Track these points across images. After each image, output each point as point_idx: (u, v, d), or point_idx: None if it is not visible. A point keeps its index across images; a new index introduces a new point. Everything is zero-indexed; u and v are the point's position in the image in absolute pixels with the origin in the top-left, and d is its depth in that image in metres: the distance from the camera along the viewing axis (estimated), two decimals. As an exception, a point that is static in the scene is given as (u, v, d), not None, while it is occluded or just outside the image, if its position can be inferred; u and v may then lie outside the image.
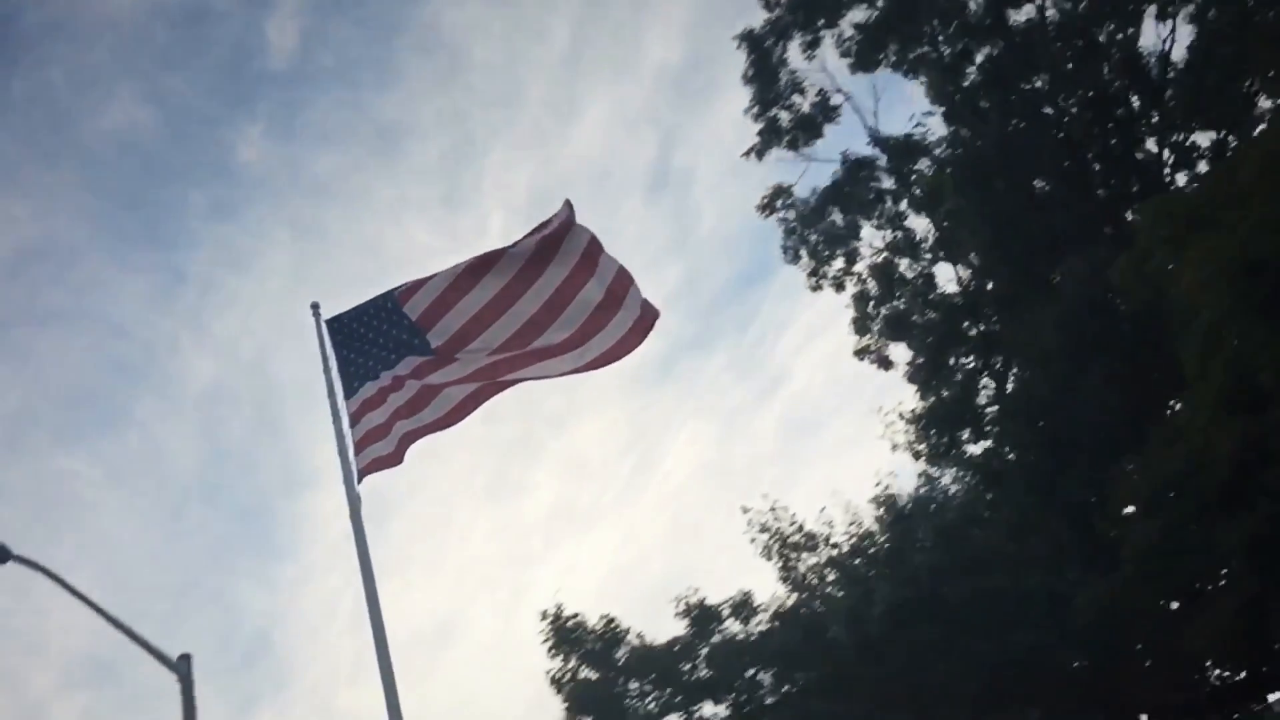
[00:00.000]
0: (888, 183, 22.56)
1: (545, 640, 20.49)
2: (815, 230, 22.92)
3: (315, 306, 7.29)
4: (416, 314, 6.98)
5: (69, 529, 44.50)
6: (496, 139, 54.48)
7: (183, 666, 6.44)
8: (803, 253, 23.10)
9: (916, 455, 22.02)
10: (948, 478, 21.30)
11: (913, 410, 21.86)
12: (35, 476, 45.55)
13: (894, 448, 22.38)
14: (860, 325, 22.89)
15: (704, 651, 19.63)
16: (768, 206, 23.28)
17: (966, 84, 21.03)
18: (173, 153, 48.14)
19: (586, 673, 20.09)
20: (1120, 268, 13.87)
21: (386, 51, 51.99)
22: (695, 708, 19.67)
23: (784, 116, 22.51)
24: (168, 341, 49.85)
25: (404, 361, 6.97)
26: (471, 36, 52.69)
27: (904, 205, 22.45)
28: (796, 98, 22.40)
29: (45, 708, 40.58)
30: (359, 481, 6.68)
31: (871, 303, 22.73)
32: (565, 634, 20.46)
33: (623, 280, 6.70)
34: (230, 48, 47.39)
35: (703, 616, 19.76)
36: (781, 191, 23.12)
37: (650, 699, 19.82)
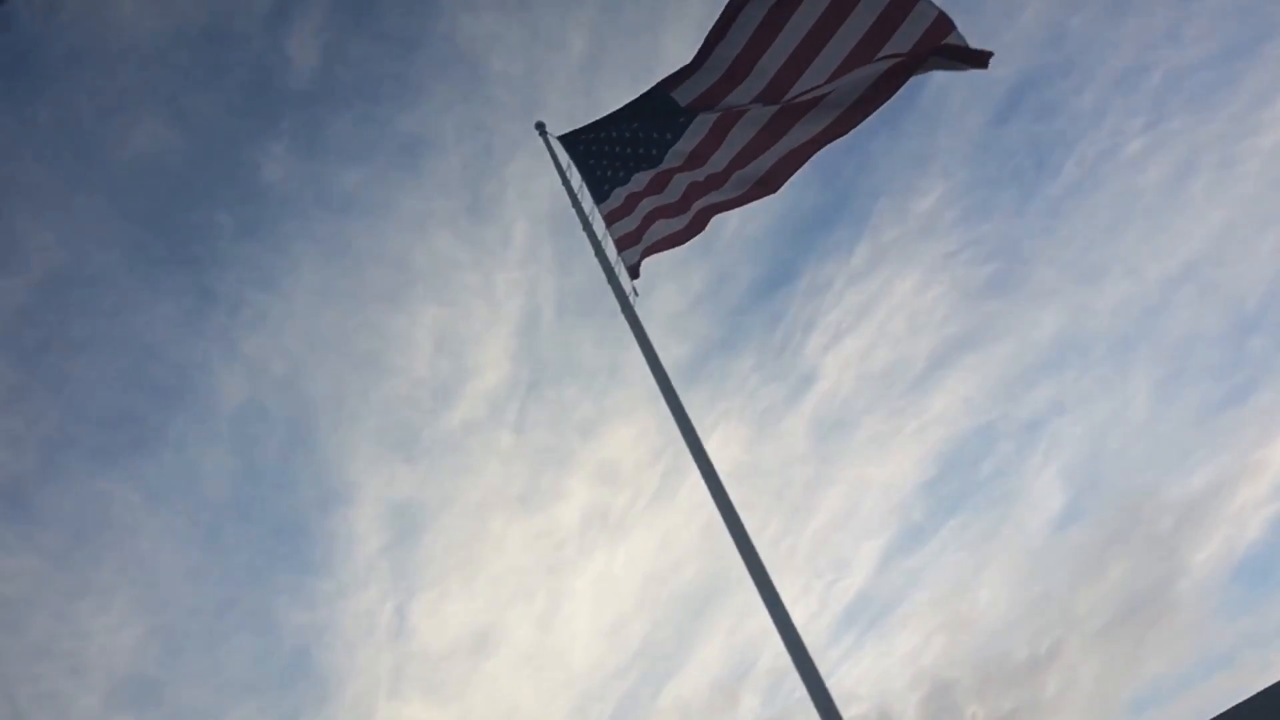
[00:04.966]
0: None
1: None
2: None
3: (540, 125, 7.40)
4: (689, 98, 6.76)
5: (109, 551, 44.71)
6: (517, 149, 54.37)
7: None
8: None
9: None
10: None
11: None
12: (74, 500, 45.86)
13: None
14: None
15: None
16: None
17: None
18: (198, 174, 48.46)
19: None
20: None
21: (406, 66, 52.08)
22: None
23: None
24: (199, 362, 50.11)
25: (680, 141, 6.70)
26: (489, 48, 52.69)
27: None
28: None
29: (89, 731, 40.78)
30: (639, 264, 6.66)
31: None
32: None
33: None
34: (251, 68, 47.61)
35: None
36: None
37: None
